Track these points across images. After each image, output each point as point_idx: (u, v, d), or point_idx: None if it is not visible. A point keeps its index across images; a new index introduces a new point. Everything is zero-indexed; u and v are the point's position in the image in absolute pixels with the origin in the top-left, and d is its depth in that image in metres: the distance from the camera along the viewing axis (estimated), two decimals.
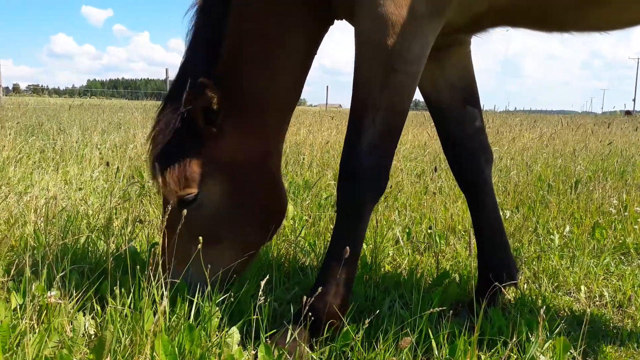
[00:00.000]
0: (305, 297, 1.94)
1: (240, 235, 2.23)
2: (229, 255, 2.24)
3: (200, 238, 2.05)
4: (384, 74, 1.94)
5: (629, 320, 2.70)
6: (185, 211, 2.09)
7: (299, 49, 2.24)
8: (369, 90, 1.97)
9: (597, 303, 2.95)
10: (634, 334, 2.46)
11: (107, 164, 4.94)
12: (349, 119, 2.06)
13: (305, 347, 1.95)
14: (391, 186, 5.23)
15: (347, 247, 1.99)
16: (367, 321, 1.80)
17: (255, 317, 1.99)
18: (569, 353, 1.94)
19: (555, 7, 2.15)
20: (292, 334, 1.95)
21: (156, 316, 1.82)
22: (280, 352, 1.83)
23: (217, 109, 2.06)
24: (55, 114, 14.43)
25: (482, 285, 2.54)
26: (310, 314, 1.94)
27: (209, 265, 2.09)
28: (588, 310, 2.74)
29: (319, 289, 2.01)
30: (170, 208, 2.15)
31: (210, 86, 2.01)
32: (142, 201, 4.32)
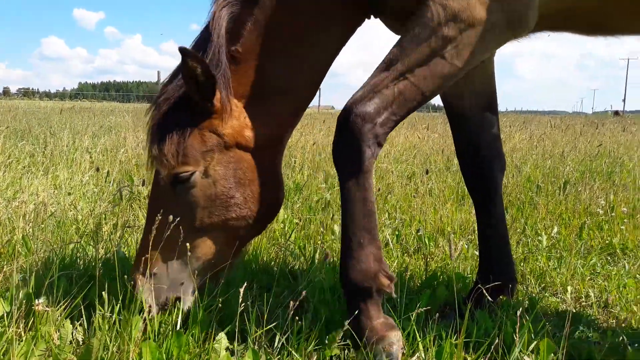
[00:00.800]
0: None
1: (231, 224, 2.14)
2: (216, 245, 2.15)
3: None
4: (434, 58, 1.92)
5: (613, 320, 2.73)
6: (175, 191, 2.05)
7: (329, 47, 2.23)
8: (408, 63, 1.93)
9: (583, 303, 2.98)
10: (617, 333, 2.49)
11: (97, 169, 4.93)
12: (370, 77, 2.01)
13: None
14: (379, 189, 5.25)
15: (363, 206, 1.93)
16: (347, 323, 1.79)
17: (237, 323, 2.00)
18: (553, 354, 1.97)
19: (618, 13, 2.20)
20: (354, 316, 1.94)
21: (144, 322, 1.82)
22: (268, 357, 1.84)
23: (205, 81, 1.95)
24: (46, 117, 14.35)
25: (478, 289, 2.55)
26: (354, 286, 1.93)
27: (195, 255, 2.06)
28: (574, 310, 2.77)
29: (348, 260, 1.96)
30: (156, 187, 2.09)
31: (192, 55, 1.89)
32: (131, 205, 4.31)
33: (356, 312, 1.96)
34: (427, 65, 1.93)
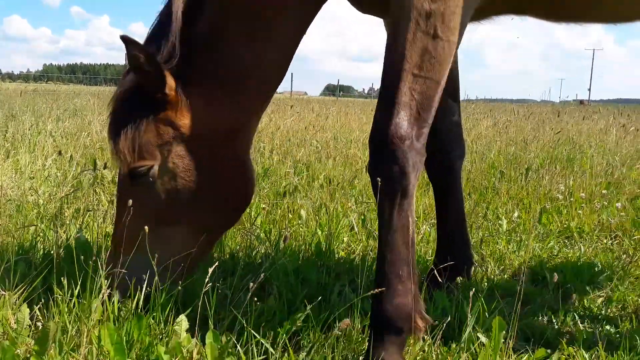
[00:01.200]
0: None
1: (198, 218, 2.08)
2: (183, 240, 2.08)
3: (148, 219, 1.97)
4: (427, 41, 1.85)
5: (568, 300, 2.84)
6: (136, 185, 2.00)
7: (291, 28, 2.13)
8: (409, 57, 1.85)
9: (539, 285, 3.09)
10: (571, 312, 2.60)
11: (60, 152, 4.82)
12: (382, 92, 1.93)
13: None
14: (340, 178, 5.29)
15: (404, 234, 1.83)
16: (304, 311, 1.81)
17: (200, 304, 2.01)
18: (506, 332, 2.04)
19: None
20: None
21: (101, 305, 1.82)
22: (228, 338, 1.86)
23: (152, 70, 1.87)
24: (7, 99, 13.88)
25: (437, 273, 2.61)
26: (385, 322, 1.83)
27: (160, 250, 1.99)
28: (530, 291, 2.87)
29: (384, 292, 1.85)
30: (122, 180, 2.05)
31: (132, 43, 1.81)
32: (95, 190, 4.24)
33: (378, 350, 1.84)
34: (427, 52, 1.86)
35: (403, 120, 1.83)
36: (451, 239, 2.70)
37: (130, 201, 1.96)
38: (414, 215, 1.90)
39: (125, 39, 1.80)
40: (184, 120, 1.98)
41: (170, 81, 1.93)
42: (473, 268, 2.86)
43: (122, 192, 2.08)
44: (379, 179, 1.82)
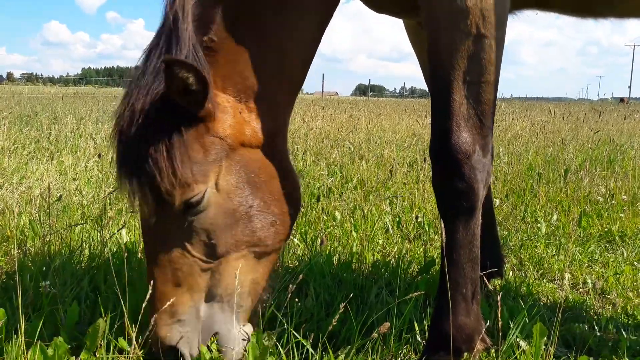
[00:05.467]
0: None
1: (258, 236, 1.80)
2: (248, 266, 1.80)
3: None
4: (471, 42, 1.74)
5: (610, 307, 2.78)
6: (184, 219, 1.69)
7: (313, 26, 2.00)
8: (455, 63, 1.75)
9: (580, 290, 3.03)
10: (612, 319, 2.54)
11: (99, 155, 4.97)
12: (434, 102, 1.84)
13: None
14: (369, 178, 5.28)
15: (470, 251, 1.79)
16: (341, 305, 1.81)
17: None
18: (548, 338, 2.01)
19: None
20: None
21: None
22: (269, 338, 1.89)
23: (199, 89, 1.63)
24: (50, 103, 14.37)
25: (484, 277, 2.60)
26: (446, 340, 1.78)
27: (224, 286, 1.74)
28: (570, 297, 2.82)
29: (448, 310, 1.80)
30: (160, 221, 1.69)
31: (182, 64, 1.57)
32: None
33: None
34: (474, 53, 1.74)
35: (465, 134, 1.74)
36: (484, 239, 2.68)
37: (177, 242, 1.70)
38: (479, 231, 1.83)
39: (169, 62, 1.55)
40: (228, 130, 1.75)
41: (212, 95, 1.71)
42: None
43: (158, 233, 1.72)
44: (444, 196, 1.77)
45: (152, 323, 1.67)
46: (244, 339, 1.78)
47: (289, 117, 2.10)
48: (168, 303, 1.66)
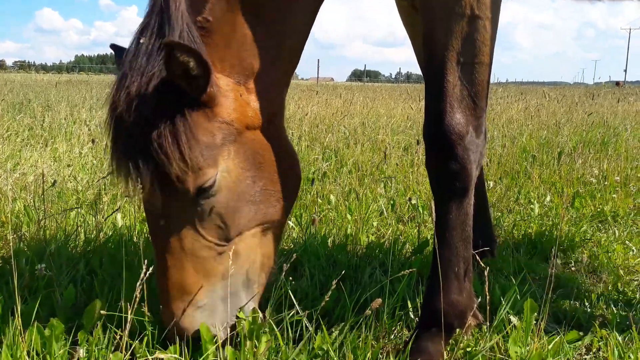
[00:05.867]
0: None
1: (266, 214, 1.83)
2: (258, 244, 1.82)
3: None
4: (465, 23, 1.73)
5: (601, 284, 2.82)
6: (195, 205, 1.67)
7: (309, 3, 1.98)
8: (450, 44, 1.74)
9: (572, 269, 3.07)
10: (603, 295, 2.58)
11: (93, 141, 4.97)
12: (428, 83, 1.84)
13: None
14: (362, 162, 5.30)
15: (462, 231, 1.81)
16: (334, 282, 1.84)
17: None
18: (538, 314, 2.04)
19: None
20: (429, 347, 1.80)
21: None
22: (262, 315, 1.91)
23: (199, 73, 1.58)
24: (43, 90, 14.27)
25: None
26: (438, 317, 1.80)
27: (240, 265, 1.76)
28: (562, 275, 2.86)
29: (440, 288, 1.82)
30: (170, 210, 1.66)
31: (183, 48, 1.51)
32: None
33: (423, 340, 1.85)
34: (468, 35, 1.74)
35: (458, 115, 1.75)
36: (476, 219, 2.71)
37: (189, 226, 1.68)
38: (472, 210, 1.85)
39: (170, 45, 1.50)
40: (234, 114, 1.73)
41: (214, 78, 1.66)
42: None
43: (169, 219, 1.69)
44: (437, 176, 1.78)
45: (170, 313, 1.65)
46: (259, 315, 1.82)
47: (286, 96, 2.08)
48: (186, 290, 1.66)
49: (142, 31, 1.65)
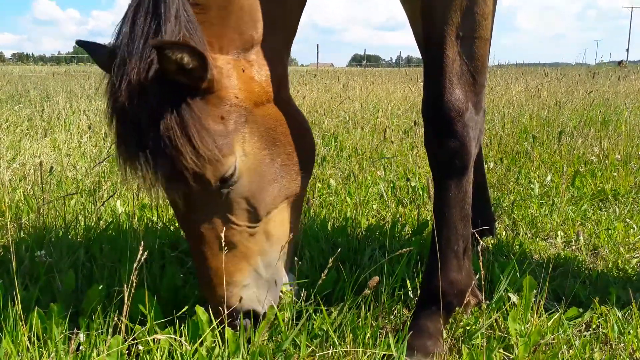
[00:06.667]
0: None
1: (288, 189, 1.82)
2: (285, 218, 1.84)
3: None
4: None
5: (601, 262, 2.82)
6: (220, 194, 1.64)
7: None
8: (449, 18, 1.72)
9: (572, 247, 3.07)
10: (603, 273, 2.58)
11: (89, 127, 4.96)
12: (427, 60, 1.81)
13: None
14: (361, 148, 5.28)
15: (461, 209, 1.80)
16: (330, 260, 1.85)
17: None
18: (538, 292, 2.05)
19: None
20: (428, 327, 1.81)
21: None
22: None
23: (196, 65, 1.50)
24: (42, 81, 14.23)
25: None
26: (437, 296, 1.80)
27: (272, 242, 1.79)
28: (563, 253, 2.86)
29: (439, 266, 1.82)
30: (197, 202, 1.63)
31: (173, 46, 1.44)
32: None
33: (423, 318, 1.85)
34: (467, 8, 1.71)
35: (458, 91, 1.72)
36: (475, 198, 2.71)
37: (220, 214, 1.66)
38: (471, 188, 1.84)
39: (159, 46, 1.42)
40: (240, 94, 1.66)
41: (212, 62, 1.58)
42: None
43: (202, 215, 1.66)
44: (436, 154, 1.77)
45: (219, 298, 1.67)
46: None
47: (287, 64, 1.99)
48: (228, 274, 1.68)
49: (135, 10, 1.55)
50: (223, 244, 1.63)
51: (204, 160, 1.54)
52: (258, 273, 1.76)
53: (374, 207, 3.55)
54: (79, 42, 1.86)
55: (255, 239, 1.74)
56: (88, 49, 1.81)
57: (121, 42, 1.53)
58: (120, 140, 1.57)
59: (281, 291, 1.85)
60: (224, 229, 1.65)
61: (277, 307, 1.79)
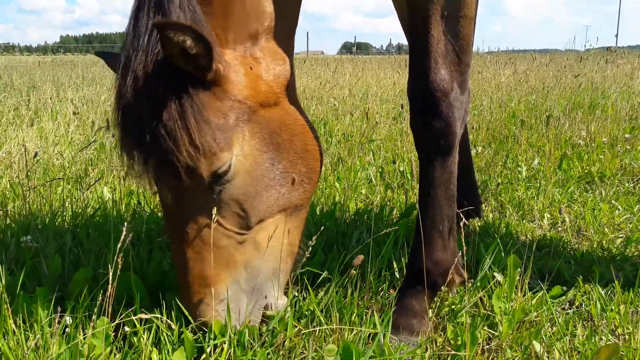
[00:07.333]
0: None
1: (287, 198, 1.70)
2: (281, 229, 1.71)
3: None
4: None
5: (586, 242, 2.85)
6: (211, 193, 1.56)
7: None
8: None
9: (559, 229, 3.10)
10: (588, 253, 2.62)
11: (74, 113, 4.92)
12: (412, 40, 1.80)
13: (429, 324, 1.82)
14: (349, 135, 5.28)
15: (446, 189, 1.80)
16: (314, 238, 1.83)
17: None
18: (522, 270, 2.07)
19: None
20: (412, 305, 1.83)
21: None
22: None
23: (199, 52, 1.45)
24: (27, 71, 14.06)
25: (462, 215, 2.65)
26: (422, 275, 1.81)
27: (271, 256, 1.67)
28: (549, 234, 2.89)
29: (426, 246, 1.84)
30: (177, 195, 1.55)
31: (175, 26, 1.40)
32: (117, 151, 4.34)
33: (408, 297, 1.87)
34: None
35: (443, 71, 1.71)
36: (460, 179, 2.73)
37: (207, 217, 1.56)
38: (456, 169, 1.84)
39: (160, 26, 1.38)
40: (246, 91, 1.60)
41: (219, 55, 1.54)
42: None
43: (190, 212, 1.58)
44: (421, 134, 1.77)
45: (194, 307, 1.58)
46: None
47: (293, 60, 1.90)
48: (207, 282, 1.57)
49: (139, 7, 1.51)
50: (205, 245, 1.55)
51: (199, 151, 1.48)
52: (240, 286, 1.63)
53: (363, 192, 3.57)
54: (98, 53, 1.80)
55: (243, 247, 1.62)
56: (106, 60, 1.77)
57: (126, 42, 1.51)
58: (123, 133, 1.53)
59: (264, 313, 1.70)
60: (210, 230, 1.56)
61: (259, 324, 1.67)
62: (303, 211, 1.80)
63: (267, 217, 1.65)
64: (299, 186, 1.72)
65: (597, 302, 2.06)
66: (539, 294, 2.03)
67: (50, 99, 7.60)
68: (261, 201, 1.63)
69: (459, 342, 1.70)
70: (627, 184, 3.83)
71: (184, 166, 1.48)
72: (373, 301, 2.03)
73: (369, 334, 1.72)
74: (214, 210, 1.55)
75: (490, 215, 3.19)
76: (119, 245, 1.47)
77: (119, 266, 1.52)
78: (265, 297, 1.68)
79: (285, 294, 1.78)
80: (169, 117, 1.46)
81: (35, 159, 3.64)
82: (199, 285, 1.58)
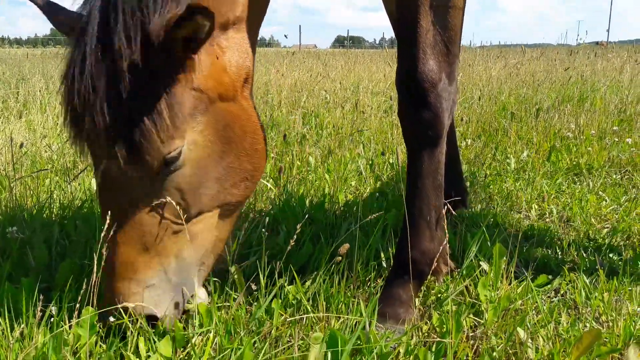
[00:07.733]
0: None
1: (230, 193, 1.69)
2: (217, 224, 1.70)
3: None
4: None
5: (574, 232, 2.88)
6: (157, 180, 1.53)
7: None
8: None
9: (546, 220, 3.12)
10: (574, 242, 2.64)
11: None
12: (400, 31, 1.80)
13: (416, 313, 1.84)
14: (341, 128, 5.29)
15: (434, 179, 1.81)
16: (298, 226, 1.85)
17: None
18: (508, 260, 2.09)
19: None
20: (399, 295, 1.84)
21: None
22: (240, 271, 1.93)
23: (205, 37, 1.47)
24: (16, 63, 13.93)
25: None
26: (410, 267, 1.82)
27: (196, 245, 1.64)
28: (536, 225, 2.91)
29: (413, 236, 1.85)
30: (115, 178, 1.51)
31: (204, 10, 1.39)
32: None
33: (395, 286, 1.89)
34: None
35: (431, 61, 1.71)
36: (447, 170, 2.74)
37: (145, 202, 1.54)
38: (444, 159, 1.85)
39: (196, 9, 1.37)
40: (209, 82, 1.58)
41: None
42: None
43: (130, 196, 1.54)
44: (410, 125, 1.78)
45: (117, 291, 1.52)
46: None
47: (255, 56, 1.87)
48: (135, 267, 1.53)
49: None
50: (140, 230, 1.52)
51: (153, 134, 1.45)
52: (167, 276, 1.59)
53: (352, 183, 3.57)
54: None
55: (177, 238, 1.60)
56: (49, 12, 1.67)
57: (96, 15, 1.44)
58: (80, 100, 1.45)
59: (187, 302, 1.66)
60: (147, 216, 1.53)
61: (180, 317, 1.64)
62: (239, 209, 1.80)
63: (206, 210, 1.65)
64: (240, 182, 1.71)
65: (582, 290, 2.08)
66: (525, 283, 2.05)
67: (40, 91, 7.53)
68: (204, 193, 1.62)
69: (444, 330, 1.71)
70: (614, 176, 3.87)
71: (136, 146, 1.45)
72: (360, 290, 2.04)
73: (356, 322, 1.73)
74: (155, 197, 1.53)
75: (479, 206, 3.21)
76: (102, 234, 1.46)
77: (104, 256, 1.51)
78: (188, 290, 1.65)
79: (205, 287, 1.76)
80: (133, 96, 1.42)
81: (23, 151, 3.61)
82: (127, 270, 1.53)
